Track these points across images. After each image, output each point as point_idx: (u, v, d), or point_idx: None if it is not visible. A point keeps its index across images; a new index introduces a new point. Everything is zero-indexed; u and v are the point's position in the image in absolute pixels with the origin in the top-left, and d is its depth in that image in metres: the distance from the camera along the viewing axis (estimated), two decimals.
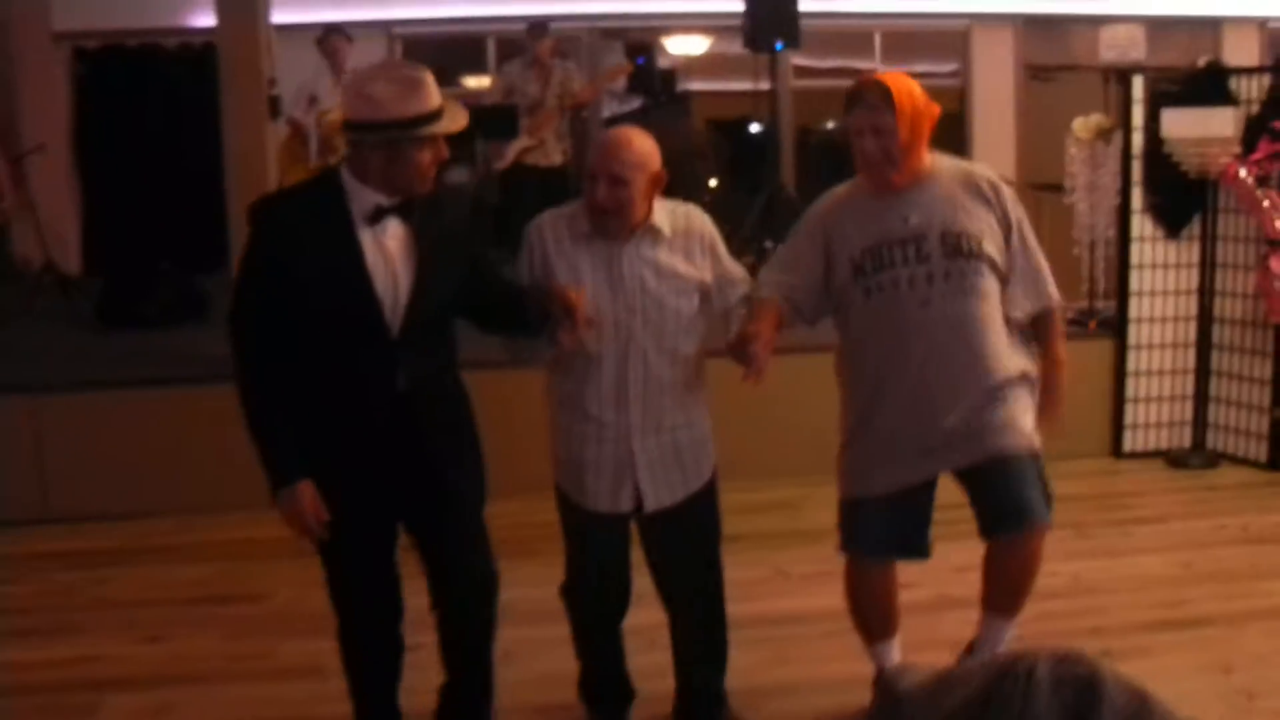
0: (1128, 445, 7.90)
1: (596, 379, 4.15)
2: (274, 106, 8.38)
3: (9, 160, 10.59)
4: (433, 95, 3.74)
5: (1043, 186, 9.85)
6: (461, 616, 4.15)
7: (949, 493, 4.26)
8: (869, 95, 4.12)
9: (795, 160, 13.07)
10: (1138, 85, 7.76)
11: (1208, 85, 7.71)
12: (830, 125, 13.55)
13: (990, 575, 4.27)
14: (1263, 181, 7.29)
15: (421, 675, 4.36)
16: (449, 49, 13.01)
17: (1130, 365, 7.87)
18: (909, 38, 13.30)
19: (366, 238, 3.73)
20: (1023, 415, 4.18)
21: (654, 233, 4.15)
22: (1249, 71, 7.84)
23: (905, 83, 4.16)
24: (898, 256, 4.11)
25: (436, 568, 4.10)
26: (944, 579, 5.27)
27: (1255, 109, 7.48)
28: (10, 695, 5.01)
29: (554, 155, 10.47)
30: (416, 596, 4.20)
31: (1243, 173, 7.35)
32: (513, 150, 10.26)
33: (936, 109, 4.22)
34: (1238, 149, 7.46)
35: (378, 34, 12.20)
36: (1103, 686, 1.19)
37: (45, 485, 7.09)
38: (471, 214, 4.27)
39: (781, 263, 4.40)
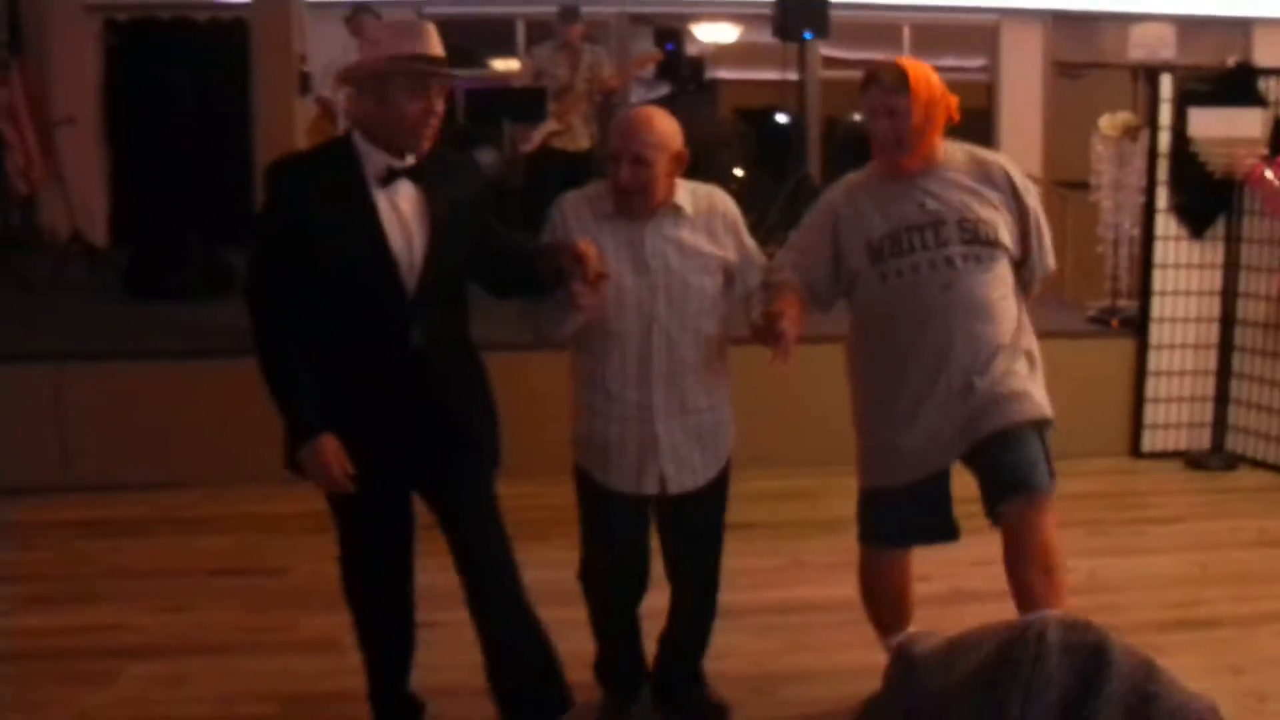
0: (1147, 445, 7.89)
1: (619, 358, 4.16)
2: (304, 82, 8.43)
3: (39, 131, 10.64)
4: (427, 41, 3.78)
5: (1068, 184, 9.84)
6: (483, 595, 4.14)
7: (966, 487, 4.27)
8: (885, 77, 4.15)
9: (821, 150, 13.08)
10: (1166, 84, 7.75)
11: (1236, 85, 7.70)
12: (857, 117, 13.54)
13: (1010, 561, 4.10)
14: None
15: (440, 653, 4.41)
16: (478, 30, 13.04)
17: (1151, 365, 7.86)
18: (938, 31, 13.30)
19: (380, 198, 3.77)
20: (1030, 385, 4.18)
21: (676, 212, 4.17)
22: (1278, 73, 7.81)
23: (922, 68, 4.19)
24: (916, 241, 4.13)
25: (455, 539, 4.09)
26: (960, 572, 5.30)
27: None
28: (31, 660, 5.06)
29: (581, 140, 10.46)
30: (431, 574, 4.25)
31: (1269, 174, 7.34)
32: (539, 134, 10.27)
33: (954, 99, 4.24)
34: (1265, 150, 7.46)
35: (407, 13, 12.21)
36: (1110, 653, 1.23)
37: (68, 454, 7.14)
38: (483, 183, 4.25)
39: (796, 245, 4.42)
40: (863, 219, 4.22)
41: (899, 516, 4.31)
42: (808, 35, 10.29)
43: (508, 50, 13.09)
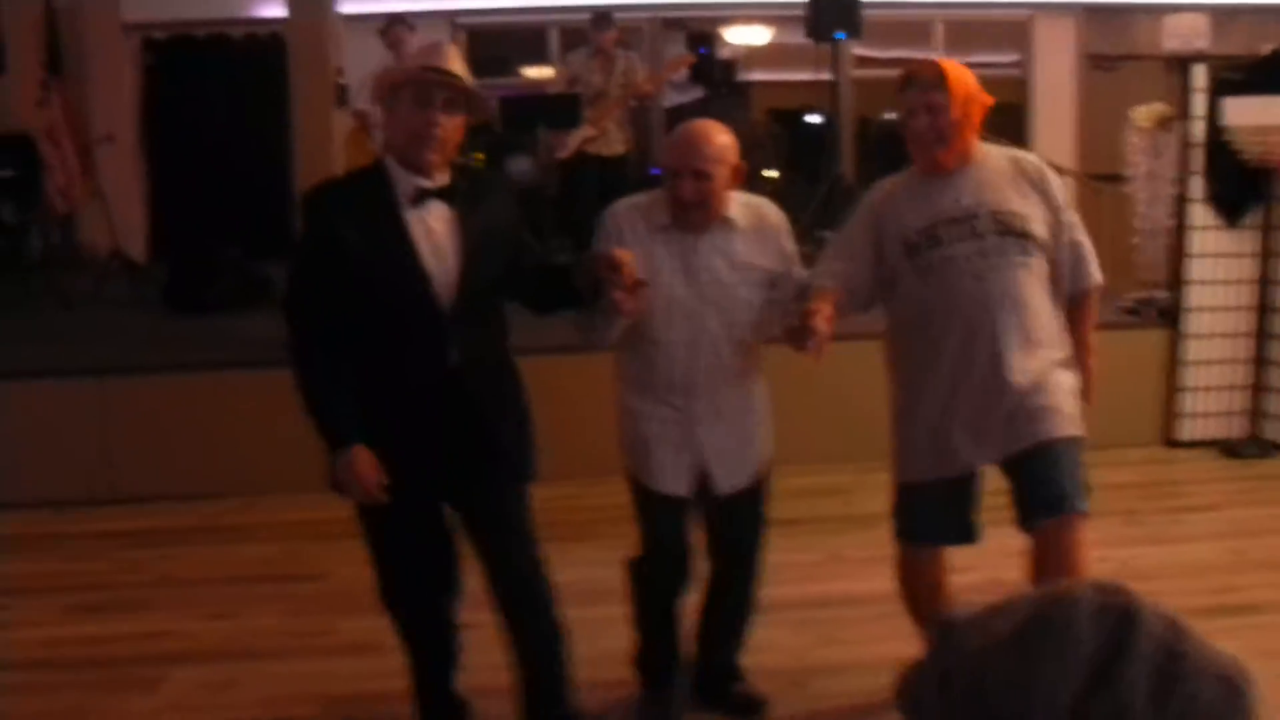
0: (1182, 434, 7.88)
1: (667, 365, 4.24)
2: (341, 95, 8.50)
3: (79, 150, 10.77)
4: (442, 57, 3.85)
5: (1102, 176, 9.83)
6: (514, 609, 4.19)
7: (1000, 478, 4.29)
8: (924, 74, 4.18)
9: (855, 150, 13.08)
10: (1199, 74, 7.74)
11: (1271, 73, 7.67)
12: (890, 116, 13.55)
13: (1037, 574, 4.13)
14: None
15: (476, 653, 4.44)
16: (512, 39, 13.12)
17: (1186, 354, 7.86)
18: (970, 27, 13.28)
19: (412, 218, 3.83)
20: (1066, 400, 4.20)
21: (728, 225, 4.24)
22: None
23: (959, 68, 4.22)
24: (952, 234, 4.16)
25: (483, 553, 4.14)
26: (997, 563, 5.28)
27: None
28: (81, 668, 5.15)
29: (616, 145, 10.50)
30: (464, 577, 4.28)
31: None
32: (575, 140, 10.31)
33: (989, 99, 4.27)
34: None
35: (441, 23, 12.30)
36: (1140, 615, 1.28)
37: (113, 466, 7.24)
38: (515, 202, 4.30)
39: (836, 251, 4.45)
40: (900, 217, 4.26)
41: (930, 513, 4.34)
42: (840, 35, 10.31)
43: (541, 58, 13.16)
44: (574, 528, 5.96)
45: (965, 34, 13.24)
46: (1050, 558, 4.07)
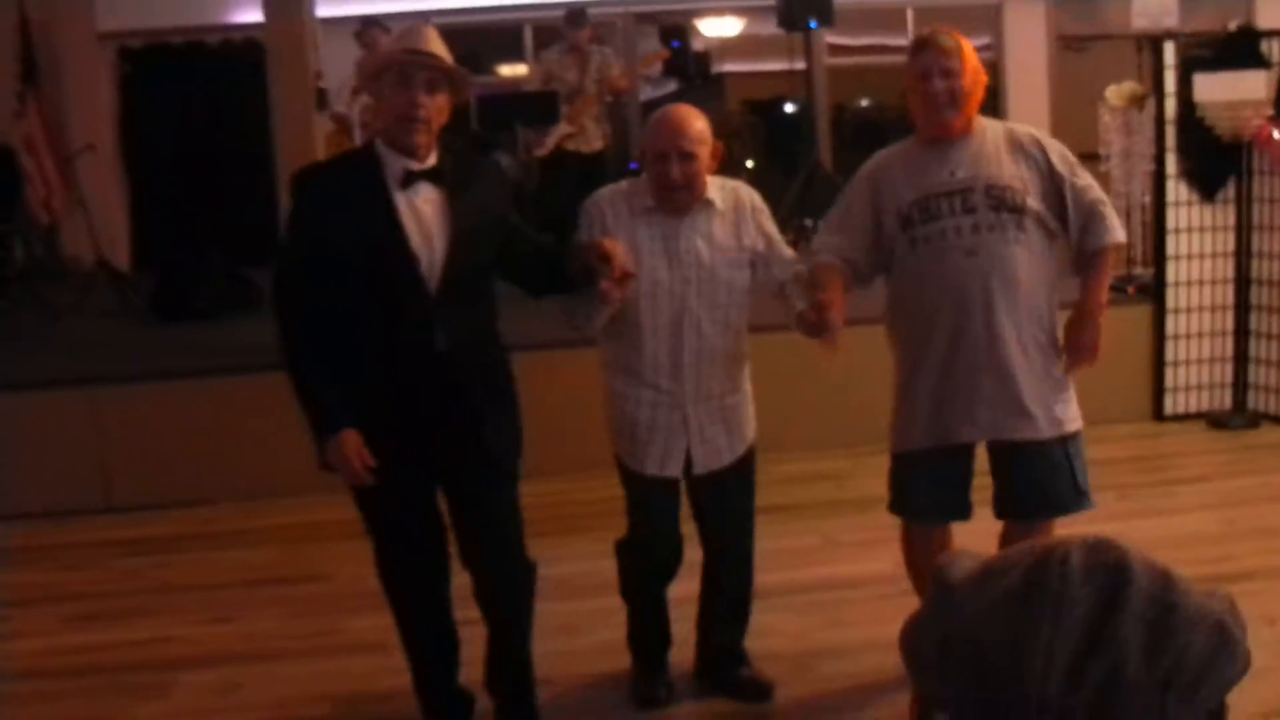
0: (1169, 408, 7.96)
1: (653, 347, 4.31)
2: (321, 98, 8.52)
3: (57, 161, 10.76)
4: (420, 38, 3.91)
5: (1078, 155, 9.85)
6: (492, 597, 4.26)
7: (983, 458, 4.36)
8: (939, 39, 4.23)
9: (831, 138, 13.13)
10: (1169, 51, 7.81)
11: (1239, 49, 7.74)
12: (865, 102, 13.61)
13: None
14: None
15: (475, 648, 4.46)
16: (486, 38, 13.14)
17: (1169, 329, 7.92)
18: (942, 13, 13.31)
19: (400, 200, 3.87)
20: (1059, 395, 4.28)
21: (709, 207, 4.32)
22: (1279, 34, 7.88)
23: (967, 41, 4.28)
24: (944, 208, 4.20)
25: (462, 531, 4.19)
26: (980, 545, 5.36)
27: None
28: (87, 676, 5.17)
29: (594, 141, 10.55)
30: (462, 574, 4.30)
31: (1276, 134, 7.40)
32: (553, 137, 10.35)
33: (986, 77, 4.34)
34: (1270, 111, 7.51)
35: (415, 23, 12.29)
36: (1130, 570, 1.34)
37: (107, 475, 7.26)
38: (506, 184, 4.34)
39: (833, 224, 4.50)
40: (895, 187, 4.31)
41: (925, 485, 4.38)
42: (813, 25, 10.36)
43: (516, 56, 13.18)
44: (568, 521, 6.00)
45: (937, 19, 13.23)
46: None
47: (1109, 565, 1.35)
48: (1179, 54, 7.80)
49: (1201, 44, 7.94)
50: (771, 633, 4.89)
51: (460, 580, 4.29)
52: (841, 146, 12.97)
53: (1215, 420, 7.85)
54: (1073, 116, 11.40)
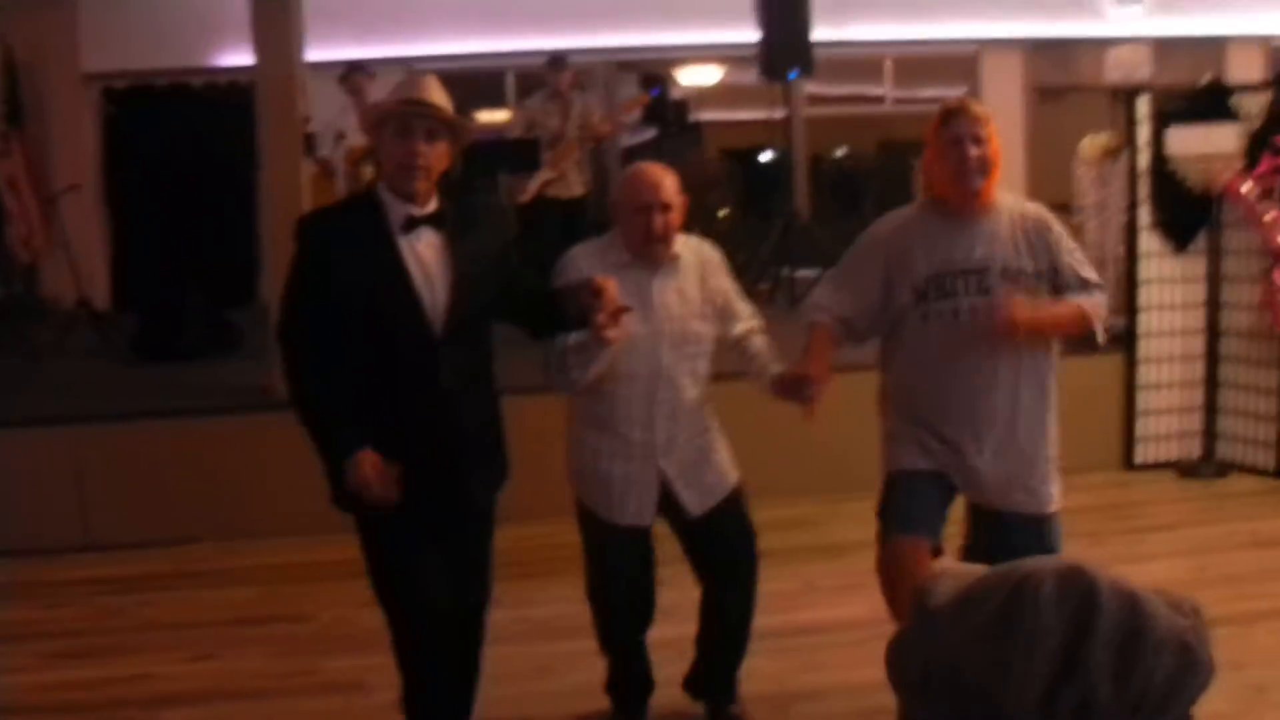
0: (1139, 457, 8.06)
1: (626, 399, 4.38)
2: (308, 143, 8.57)
3: (41, 200, 10.80)
4: (418, 88, 3.98)
5: (1052, 206, 9.94)
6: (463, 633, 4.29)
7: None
8: (971, 108, 4.30)
9: (809, 187, 13.21)
10: (1142, 104, 7.94)
11: (1211, 102, 7.88)
12: (841, 153, 13.71)
13: None
14: (1266, 196, 7.46)
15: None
16: (469, 84, 13.20)
17: (1141, 379, 8.03)
18: (919, 63, 13.46)
19: (403, 245, 3.94)
20: (1054, 474, 4.39)
21: (676, 261, 4.42)
22: (1250, 88, 8.00)
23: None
24: (960, 286, 4.25)
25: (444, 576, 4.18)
26: None
27: (1257, 125, 7.65)
28: (69, 713, 5.19)
29: (575, 187, 10.61)
30: None
31: (1245, 187, 7.53)
32: (535, 183, 10.40)
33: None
34: (1240, 164, 7.64)
35: (399, 70, 12.35)
36: (1099, 596, 1.42)
37: (86, 514, 7.27)
38: (507, 228, 4.41)
39: (838, 281, 4.52)
40: (911, 257, 4.32)
41: (921, 500, 4.36)
42: (793, 74, 10.42)
43: (498, 102, 13.25)
44: (548, 564, 6.01)
45: (914, 69, 13.42)
46: None
47: (1079, 593, 1.44)
48: (1152, 106, 7.92)
49: (1174, 97, 8.06)
50: (750, 676, 4.91)
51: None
52: (818, 196, 13.05)
53: (1185, 469, 7.94)
54: (1048, 168, 11.49)
